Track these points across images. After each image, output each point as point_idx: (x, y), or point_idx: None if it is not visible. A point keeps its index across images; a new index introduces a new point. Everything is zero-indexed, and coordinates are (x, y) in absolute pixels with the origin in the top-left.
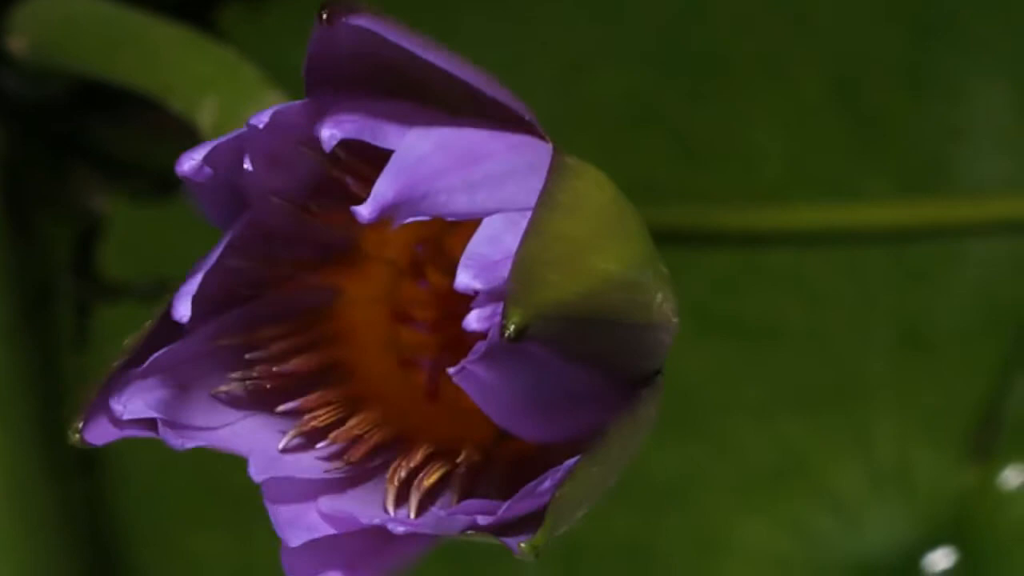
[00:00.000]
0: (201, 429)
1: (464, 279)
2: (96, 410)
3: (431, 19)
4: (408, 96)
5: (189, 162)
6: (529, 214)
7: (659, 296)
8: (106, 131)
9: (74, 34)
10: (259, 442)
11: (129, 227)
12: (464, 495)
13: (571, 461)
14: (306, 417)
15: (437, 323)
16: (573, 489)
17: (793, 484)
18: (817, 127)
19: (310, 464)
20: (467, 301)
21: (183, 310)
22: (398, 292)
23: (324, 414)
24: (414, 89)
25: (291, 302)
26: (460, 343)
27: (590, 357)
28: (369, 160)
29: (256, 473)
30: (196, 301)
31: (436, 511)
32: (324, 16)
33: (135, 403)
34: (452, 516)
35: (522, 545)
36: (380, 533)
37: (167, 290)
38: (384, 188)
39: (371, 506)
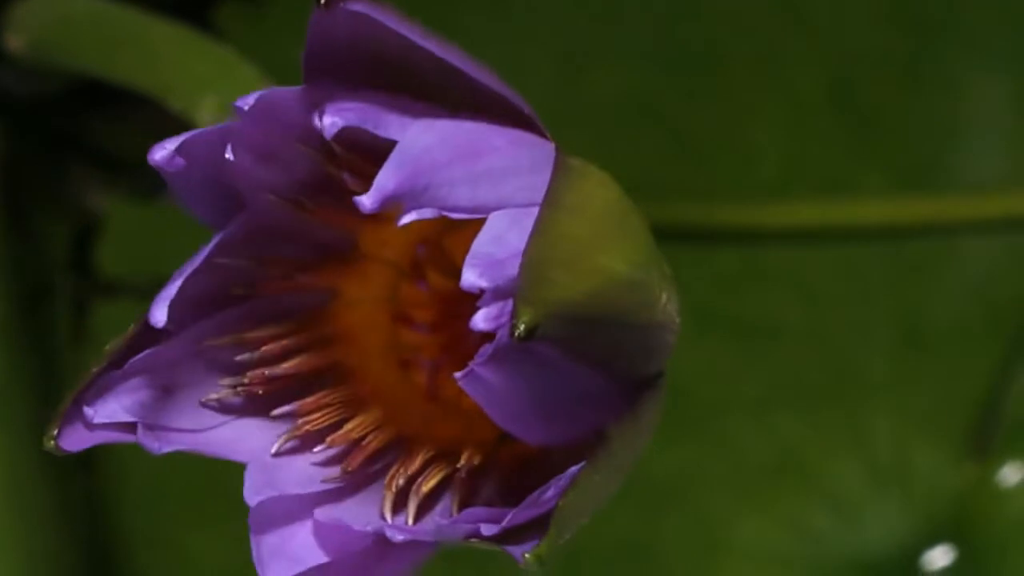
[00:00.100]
0: (186, 431)
1: (470, 278)
2: (71, 416)
3: (429, 17)
4: (407, 90)
5: (161, 151)
6: (531, 211)
7: (664, 296)
8: (104, 129)
9: (73, 33)
10: (251, 446)
11: (127, 225)
12: (464, 498)
13: (574, 469)
14: (301, 421)
15: (437, 324)
16: (576, 497)
17: (792, 482)
18: (815, 125)
19: (304, 470)
20: (468, 302)
21: (159, 315)
22: (398, 293)
23: (320, 417)
24: (413, 83)
25: (287, 303)
26: (460, 344)
27: (596, 358)
28: (367, 156)
29: (251, 493)
30: (187, 302)
31: (437, 518)
32: (322, 1)
33: (109, 407)
34: (454, 524)
35: (527, 556)
36: (372, 551)
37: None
38: (386, 178)
39: (368, 513)
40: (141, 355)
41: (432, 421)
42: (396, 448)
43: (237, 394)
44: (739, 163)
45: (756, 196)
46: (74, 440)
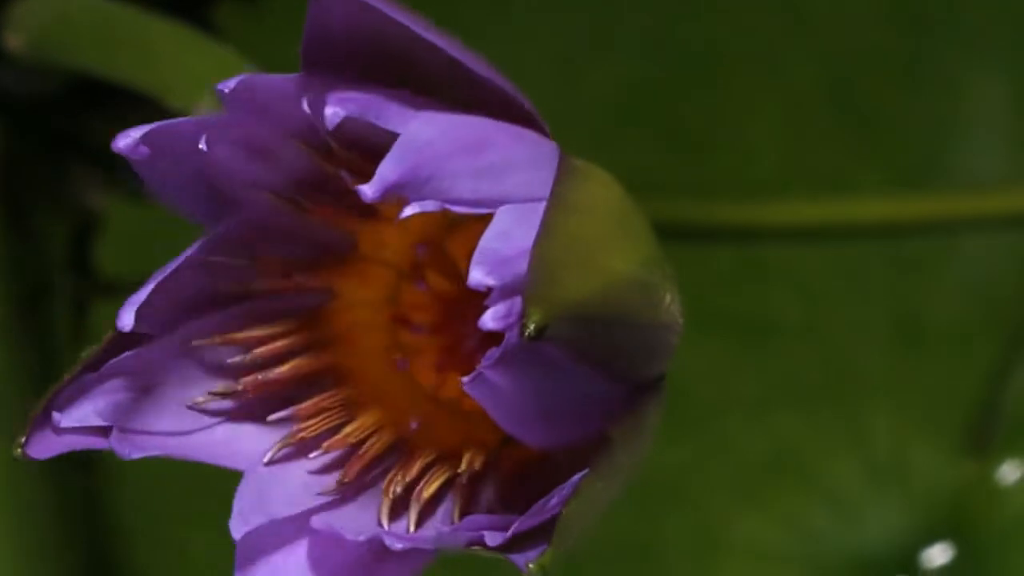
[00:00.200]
0: (168, 435)
1: (477, 275)
2: (40, 422)
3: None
4: (408, 84)
5: (125, 139)
6: (535, 208)
7: (667, 296)
8: (104, 129)
9: (72, 32)
10: (241, 451)
11: (127, 225)
12: (465, 503)
13: (577, 476)
14: (296, 428)
15: (437, 326)
16: (580, 505)
17: (791, 481)
18: (813, 122)
19: (299, 480)
20: (469, 303)
21: (126, 319)
22: (397, 295)
23: (316, 423)
24: (414, 76)
25: (282, 303)
26: (460, 346)
27: (601, 359)
28: (364, 154)
29: (238, 523)
30: (176, 302)
31: (438, 525)
32: None
33: (80, 411)
34: (456, 532)
35: (530, 566)
36: (368, 559)
37: None
38: (389, 168)
39: (365, 519)
40: (119, 357)
41: (432, 424)
42: (394, 453)
43: (227, 396)
44: (739, 162)
45: (755, 195)
46: (42, 447)
